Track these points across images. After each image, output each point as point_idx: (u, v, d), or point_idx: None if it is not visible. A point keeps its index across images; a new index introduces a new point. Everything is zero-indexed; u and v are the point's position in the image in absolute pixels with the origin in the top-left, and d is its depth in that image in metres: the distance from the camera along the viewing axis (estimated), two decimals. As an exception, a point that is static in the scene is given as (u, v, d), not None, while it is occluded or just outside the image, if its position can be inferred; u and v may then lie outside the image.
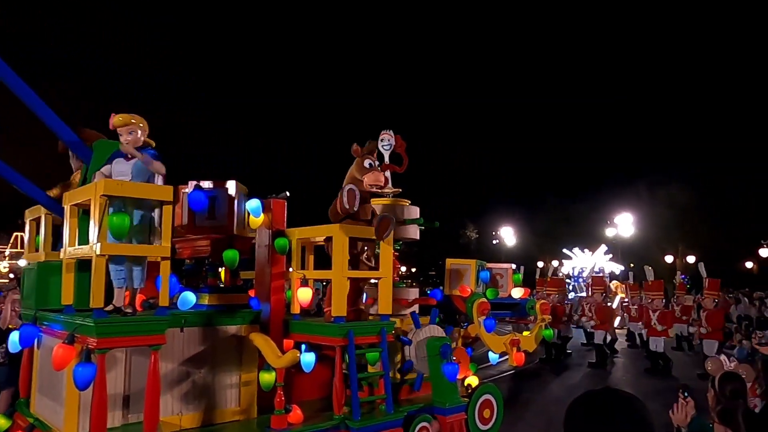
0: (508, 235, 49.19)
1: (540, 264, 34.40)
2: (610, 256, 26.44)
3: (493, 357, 7.40)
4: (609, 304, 13.45)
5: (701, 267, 14.17)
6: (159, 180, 4.04)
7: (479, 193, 63.51)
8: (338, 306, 4.82)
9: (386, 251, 5.22)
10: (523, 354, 7.30)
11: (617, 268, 23.48)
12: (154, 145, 4.10)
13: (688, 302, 12.22)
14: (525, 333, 7.92)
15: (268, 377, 4.42)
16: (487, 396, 6.22)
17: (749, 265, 34.57)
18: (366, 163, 5.23)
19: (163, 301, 3.72)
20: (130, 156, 3.96)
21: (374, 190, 5.26)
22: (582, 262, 25.90)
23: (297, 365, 4.91)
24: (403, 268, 63.01)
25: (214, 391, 4.48)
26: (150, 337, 3.57)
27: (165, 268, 3.73)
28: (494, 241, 53.51)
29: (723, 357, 4.37)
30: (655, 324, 11.27)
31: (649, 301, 12.27)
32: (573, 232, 41.73)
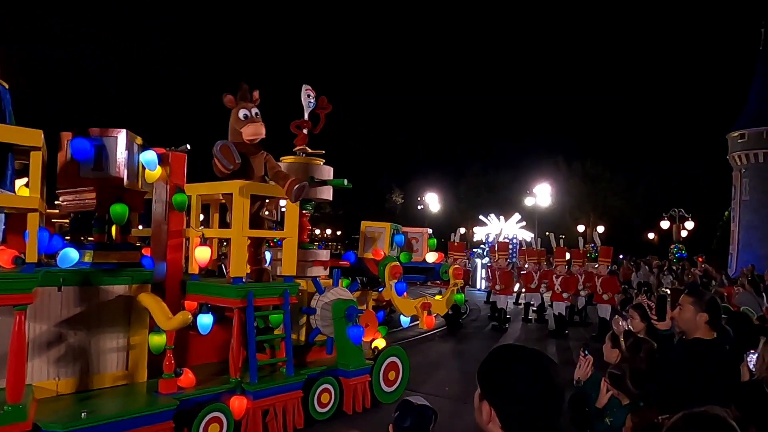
0: (432, 201, 49.89)
1: (462, 230, 35.40)
2: (523, 223, 27.23)
3: (404, 320, 7.50)
4: (511, 270, 13.85)
5: (596, 235, 14.99)
6: None
7: (406, 158, 64.06)
8: (237, 266, 4.60)
9: (292, 211, 5.02)
10: (433, 317, 7.40)
11: (528, 236, 24.28)
12: (7, 86, 3.62)
13: (590, 270, 12.86)
14: (437, 297, 8.05)
15: (158, 340, 4.18)
16: (393, 358, 6.25)
17: (651, 236, 37.04)
18: (241, 114, 4.83)
19: (30, 257, 3.36)
20: None
21: (255, 141, 4.88)
22: (495, 229, 26.49)
23: (195, 327, 4.70)
24: (329, 231, 63.01)
25: (97, 354, 4.17)
26: (13, 296, 3.22)
27: (33, 221, 3.36)
28: (419, 207, 54.18)
29: (620, 319, 4.57)
30: (558, 289, 11.73)
31: (554, 267, 12.88)
32: (494, 199, 43.05)
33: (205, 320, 4.69)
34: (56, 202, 4.94)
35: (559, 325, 11.76)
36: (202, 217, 6.26)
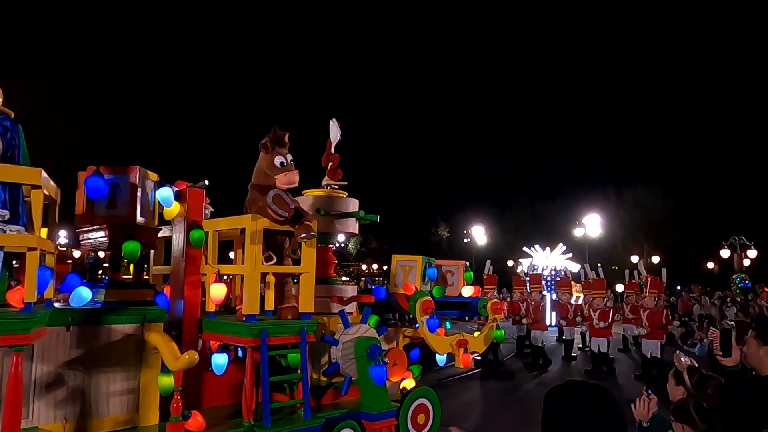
0: (479, 234, 49.18)
1: (510, 263, 34.40)
2: (569, 255, 26.20)
3: (440, 359, 6.93)
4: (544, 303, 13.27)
5: (640, 265, 14.15)
6: None
7: (451, 191, 63.81)
8: (250, 303, 4.45)
9: (308, 244, 4.85)
10: (470, 356, 6.94)
11: (575, 267, 23.32)
12: (12, 115, 3.63)
13: (637, 302, 12.10)
14: (476, 333, 7.62)
15: (167, 381, 4.03)
16: (422, 400, 5.88)
17: (710, 265, 35.11)
18: (277, 161, 4.69)
19: (29, 296, 3.30)
20: None
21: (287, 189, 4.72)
22: (540, 261, 25.55)
23: (204, 367, 4.55)
24: (375, 266, 62.79)
25: (106, 396, 4.06)
26: (9, 336, 3.15)
27: (32, 260, 3.30)
28: (465, 240, 53.48)
29: (681, 354, 4.25)
30: (597, 324, 11.01)
31: (591, 299, 12.18)
32: (542, 231, 41.97)
33: (220, 360, 4.54)
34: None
35: (596, 363, 11.01)
36: (232, 254, 6.21)
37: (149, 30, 71.62)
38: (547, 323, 15.02)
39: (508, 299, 17.53)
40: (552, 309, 18.42)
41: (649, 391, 3.45)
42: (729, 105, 48.79)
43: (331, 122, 6.21)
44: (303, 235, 4.52)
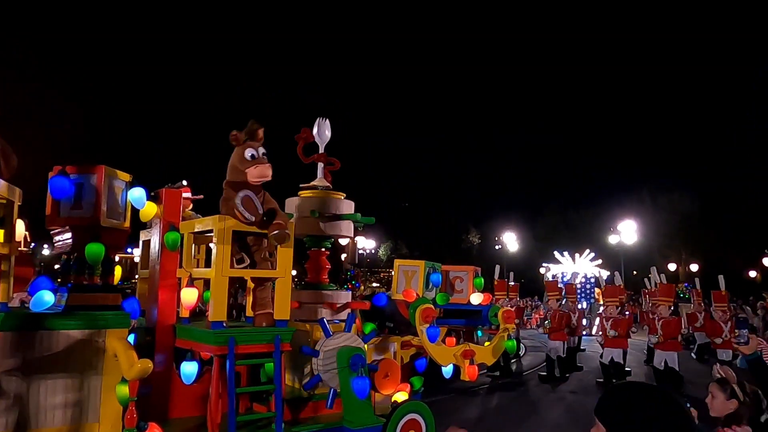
0: (510, 241, 48.36)
1: (542, 270, 33.60)
2: (599, 261, 25.35)
3: (446, 371, 6.37)
4: (563, 311, 12.50)
5: (654, 271, 13.41)
6: None
7: (483, 198, 62.98)
8: (217, 309, 4.21)
9: (284, 246, 4.58)
10: (476, 368, 6.27)
11: (605, 274, 22.49)
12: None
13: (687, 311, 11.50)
14: (486, 344, 7.21)
15: (123, 390, 3.81)
16: (413, 416, 5.34)
17: (753, 274, 33.53)
18: (247, 153, 4.41)
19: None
20: None
21: (259, 183, 4.46)
22: (567, 267, 24.94)
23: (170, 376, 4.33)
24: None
25: (63, 406, 3.86)
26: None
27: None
28: (497, 246, 52.65)
29: (723, 366, 4.00)
30: (610, 333, 10.18)
31: (656, 307, 11.26)
32: (574, 237, 40.89)
33: (189, 369, 4.33)
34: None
35: (607, 375, 10.36)
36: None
37: (149, 30, 72.94)
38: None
39: (540, 308, 16.91)
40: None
41: (687, 405, 3.12)
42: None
43: (318, 120, 5.95)
44: (275, 233, 4.25)
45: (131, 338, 4.14)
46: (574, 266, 24.82)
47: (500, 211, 53.50)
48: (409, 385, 5.93)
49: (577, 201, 50.45)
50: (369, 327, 5.80)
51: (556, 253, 26.22)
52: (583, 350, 13.32)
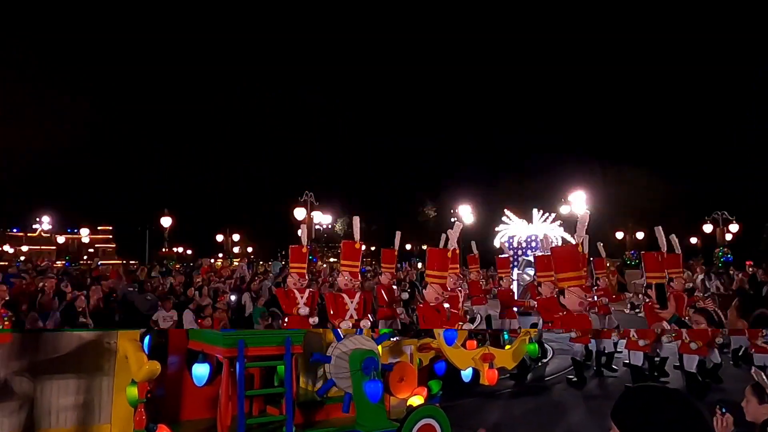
0: (466, 213, 49.11)
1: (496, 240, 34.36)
2: (559, 223, 22.57)
3: (465, 374, 6.02)
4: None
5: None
6: None
7: (437, 172, 63.75)
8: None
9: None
10: (496, 371, 5.95)
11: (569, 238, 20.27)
12: None
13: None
14: (507, 347, 6.54)
15: (132, 392, 3.90)
16: (428, 420, 5.23)
17: (693, 240, 35.57)
18: None
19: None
20: None
21: None
22: (516, 230, 22.20)
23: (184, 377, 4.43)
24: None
25: (63, 408, 3.96)
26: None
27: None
28: (452, 219, 53.48)
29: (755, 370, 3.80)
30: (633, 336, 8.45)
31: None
32: (528, 208, 42.12)
33: (200, 371, 4.45)
34: None
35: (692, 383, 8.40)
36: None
37: (149, 30, 70.66)
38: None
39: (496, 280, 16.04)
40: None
41: (723, 410, 3.13)
42: (730, 102, 48.52)
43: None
44: None
45: (146, 341, 4.25)
46: (528, 229, 22.17)
47: (457, 184, 54.31)
48: (425, 389, 5.75)
49: (529, 173, 51.55)
50: (384, 329, 5.78)
51: (506, 211, 23.79)
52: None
